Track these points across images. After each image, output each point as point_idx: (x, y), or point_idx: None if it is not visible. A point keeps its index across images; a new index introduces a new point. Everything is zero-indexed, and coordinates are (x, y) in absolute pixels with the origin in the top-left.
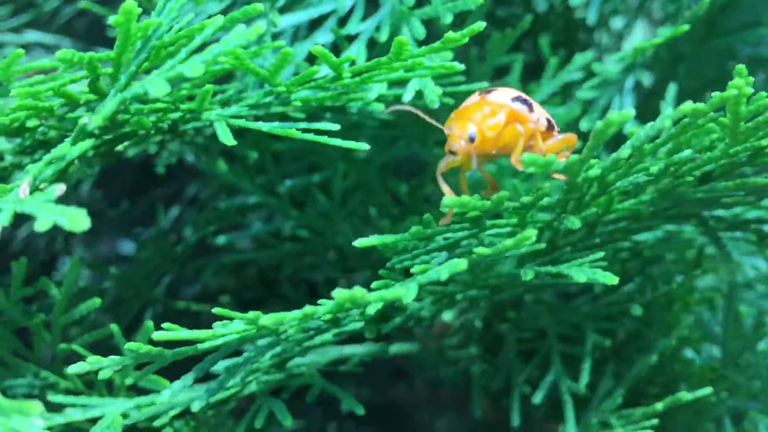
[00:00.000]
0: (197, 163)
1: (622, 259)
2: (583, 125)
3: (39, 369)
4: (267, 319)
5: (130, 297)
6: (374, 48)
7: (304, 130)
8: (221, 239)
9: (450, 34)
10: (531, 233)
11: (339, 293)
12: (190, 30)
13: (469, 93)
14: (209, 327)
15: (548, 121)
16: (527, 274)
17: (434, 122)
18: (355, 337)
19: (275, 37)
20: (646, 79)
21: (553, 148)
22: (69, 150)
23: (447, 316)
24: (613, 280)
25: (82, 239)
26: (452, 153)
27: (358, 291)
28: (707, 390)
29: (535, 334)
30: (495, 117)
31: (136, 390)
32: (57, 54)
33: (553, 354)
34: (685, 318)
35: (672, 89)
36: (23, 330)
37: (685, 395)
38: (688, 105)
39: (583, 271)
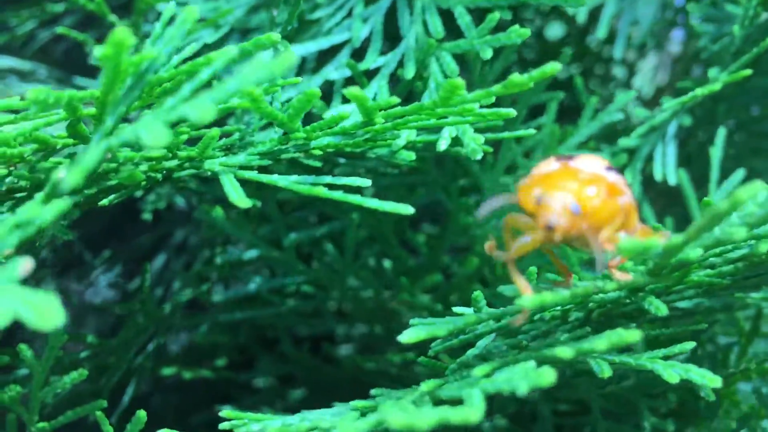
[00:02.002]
0: (190, 209)
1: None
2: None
3: None
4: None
5: (113, 364)
6: (396, 85)
7: (330, 186)
8: (217, 296)
9: (516, 77)
10: (631, 335)
11: (391, 417)
12: (194, 64)
13: (502, 145)
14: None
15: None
16: (604, 370)
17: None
18: None
19: None
20: (688, 121)
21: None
22: (39, 212)
23: None
24: (713, 381)
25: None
26: (548, 229)
27: (414, 416)
28: None
29: (574, 407)
30: (593, 188)
31: None
32: (28, 93)
33: None
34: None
35: (721, 133)
36: None
37: None
38: None
39: (673, 368)
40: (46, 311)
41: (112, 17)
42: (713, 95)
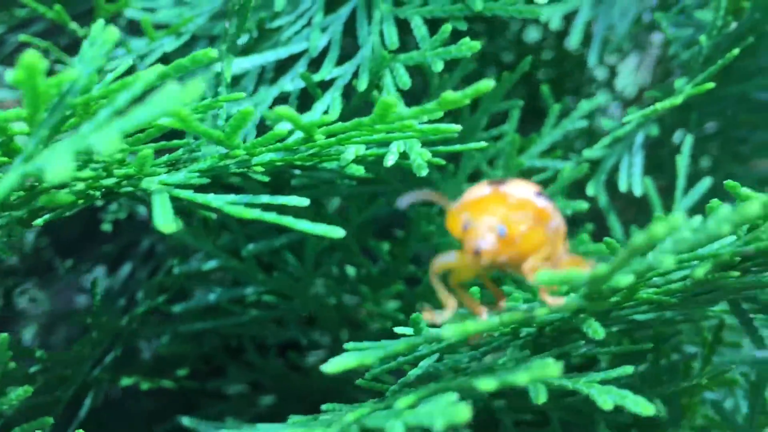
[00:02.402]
0: (150, 219)
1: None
2: (590, 190)
3: None
4: None
5: (69, 376)
6: (352, 96)
7: (266, 206)
8: (177, 307)
9: (448, 95)
10: (551, 369)
11: None
12: (124, 83)
13: (463, 153)
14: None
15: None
16: (540, 395)
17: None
18: None
19: (238, 79)
20: (656, 131)
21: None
22: None
23: None
24: (647, 410)
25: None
26: (476, 254)
27: None
28: None
29: (536, 418)
30: (521, 213)
31: None
32: None
33: None
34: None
35: (688, 142)
36: None
37: None
38: (752, 208)
39: (609, 394)
40: None
41: (73, 25)
42: (684, 104)
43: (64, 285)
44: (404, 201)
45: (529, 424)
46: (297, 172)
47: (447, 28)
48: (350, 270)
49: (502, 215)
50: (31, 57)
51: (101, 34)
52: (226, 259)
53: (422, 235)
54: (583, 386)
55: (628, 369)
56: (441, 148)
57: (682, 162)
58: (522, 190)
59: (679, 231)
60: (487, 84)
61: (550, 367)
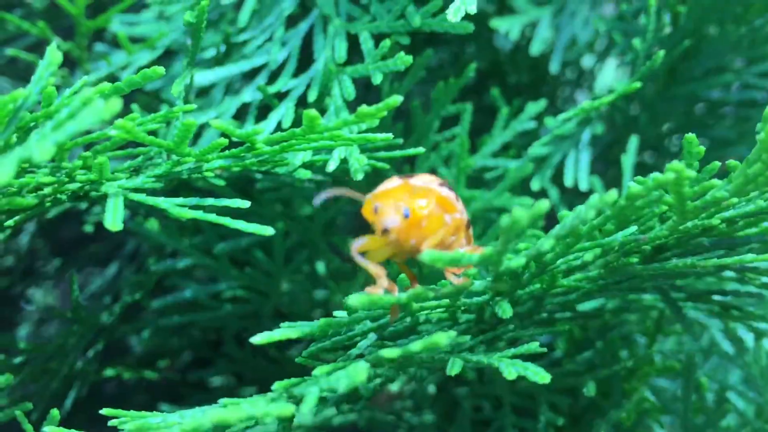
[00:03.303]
0: (128, 221)
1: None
2: (535, 185)
3: None
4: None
5: (53, 368)
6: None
7: (209, 209)
8: (156, 303)
9: (363, 109)
10: (441, 338)
11: (211, 414)
12: (56, 107)
13: (428, 150)
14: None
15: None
16: (454, 366)
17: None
18: None
19: (206, 90)
20: (602, 131)
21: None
22: None
23: (394, 386)
24: (544, 378)
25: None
26: (384, 231)
27: (230, 413)
28: None
29: (491, 403)
30: (423, 199)
31: None
32: None
33: (506, 429)
34: (645, 389)
35: (633, 141)
36: None
37: None
38: (611, 195)
39: (513, 366)
40: None
41: (57, 40)
42: (641, 102)
43: (58, 284)
44: (319, 198)
45: (486, 409)
46: (258, 176)
47: (386, 43)
48: (320, 266)
49: (407, 200)
50: None
51: (49, 57)
52: (199, 257)
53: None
54: (494, 360)
55: (534, 346)
56: (383, 153)
57: (628, 160)
58: (426, 180)
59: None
60: (395, 99)
61: (441, 338)
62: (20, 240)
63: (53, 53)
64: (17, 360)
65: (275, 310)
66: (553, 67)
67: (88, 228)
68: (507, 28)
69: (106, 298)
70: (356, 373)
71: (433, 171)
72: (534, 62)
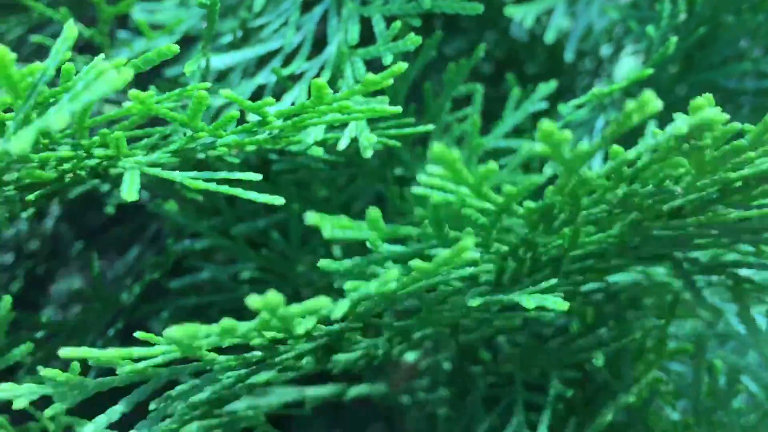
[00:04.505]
0: (148, 203)
1: (597, 301)
2: (548, 171)
3: None
4: (178, 331)
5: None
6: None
7: (221, 181)
8: (175, 283)
9: (370, 77)
10: (469, 242)
11: (253, 300)
12: (73, 83)
13: (438, 132)
14: None
15: None
16: (474, 301)
17: None
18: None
19: (225, 74)
20: (614, 116)
21: None
22: None
23: (410, 356)
24: (563, 305)
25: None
26: None
27: (272, 297)
28: None
29: (503, 380)
30: None
31: None
32: None
33: (517, 403)
34: (657, 370)
35: (651, 126)
36: None
37: None
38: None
39: (533, 298)
40: None
41: (79, 26)
42: (657, 90)
43: (83, 269)
44: None
45: (499, 386)
46: (274, 157)
47: (396, 24)
48: (336, 249)
49: None
50: (1, 50)
51: (67, 32)
52: (217, 239)
53: (397, 211)
54: (514, 296)
55: (552, 281)
56: (393, 131)
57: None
58: None
59: None
60: (400, 66)
61: (468, 242)
62: (45, 224)
63: (70, 29)
64: (39, 334)
65: (294, 292)
66: (568, 55)
67: (110, 209)
68: (522, 15)
69: (128, 280)
70: (387, 276)
71: None
72: (551, 52)
